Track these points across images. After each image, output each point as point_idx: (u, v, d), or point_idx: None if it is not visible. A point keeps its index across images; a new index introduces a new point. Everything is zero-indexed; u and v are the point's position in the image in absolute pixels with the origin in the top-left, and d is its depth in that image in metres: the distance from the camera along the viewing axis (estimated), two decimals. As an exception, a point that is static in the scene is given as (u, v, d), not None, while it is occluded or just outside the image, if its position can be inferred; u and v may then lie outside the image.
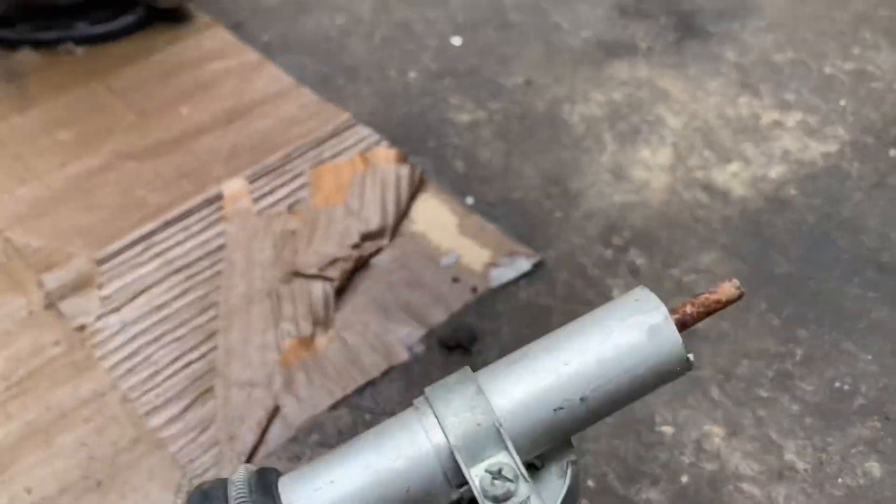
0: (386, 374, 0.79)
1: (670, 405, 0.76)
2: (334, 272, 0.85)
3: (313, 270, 0.85)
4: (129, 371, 0.79)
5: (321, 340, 0.81)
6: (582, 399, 0.37)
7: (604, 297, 0.86)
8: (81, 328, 0.83)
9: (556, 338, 0.39)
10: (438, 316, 0.84)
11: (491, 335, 0.82)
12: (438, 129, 1.07)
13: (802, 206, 0.96)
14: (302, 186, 0.97)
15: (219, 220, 0.93)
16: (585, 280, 0.88)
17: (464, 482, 0.36)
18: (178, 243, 0.91)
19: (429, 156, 1.03)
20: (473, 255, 0.89)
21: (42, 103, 1.09)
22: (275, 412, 0.76)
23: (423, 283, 0.87)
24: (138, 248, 0.90)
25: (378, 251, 0.90)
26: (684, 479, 0.70)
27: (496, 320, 0.84)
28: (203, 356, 0.80)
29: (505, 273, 0.87)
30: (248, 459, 0.72)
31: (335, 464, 0.37)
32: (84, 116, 1.07)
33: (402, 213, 0.93)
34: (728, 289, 0.38)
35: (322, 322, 0.82)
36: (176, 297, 0.85)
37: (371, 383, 0.79)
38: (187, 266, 0.88)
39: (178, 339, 0.82)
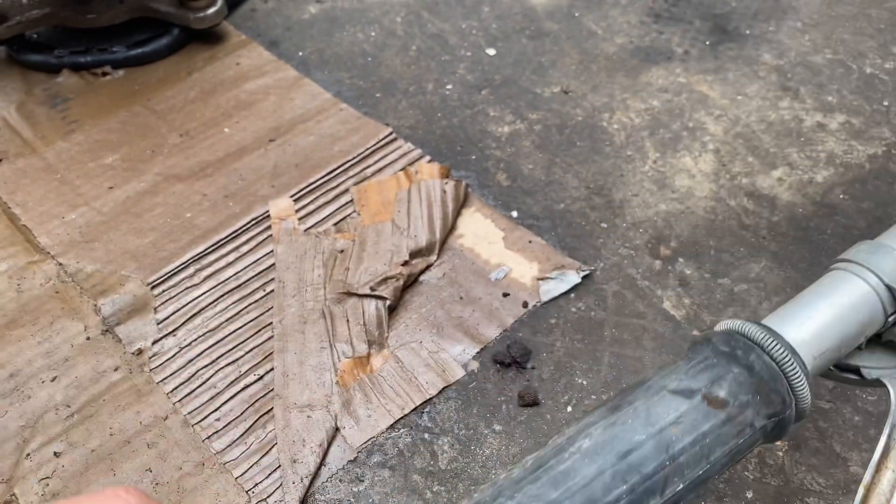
0: (441, 392, 0.80)
1: (730, 418, 0.75)
2: (386, 290, 0.85)
3: (366, 289, 0.86)
4: (189, 395, 0.80)
5: (377, 360, 0.82)
6: None
7: (654, 308, 0.86)
8: (139, 352, 0.84)
9: None
10: (491, 332, 0.84)
11: (545, 350, 0.82)
12: (479, 141, 1.07)
13: (852, 211, 0.95)
14: (347, 203, 0.98)
15: (267, 240, 0.94)
16: (635, 292, 0.87)
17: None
18: (229, 264, 0.92)
19: (471, 169, 1.03)
20: (522, 269, 0.90)
21: (86, 127, 1.11)
22: (335, 434, 0.76)
23: (473, 298, 0.87)
24: (190, 270, 0.91)
25: (427, 268, 0.90)
26: (749, 494, 0.70)
27: (549, 335, 0.84)
28: (260, 378, 0.81)
29: (556, 287, 0.87)
30: (312, 482, 0.73)
31: (807, 305, 0.53)
32: (129, 139, 1.08)
33: (449, 229, 0.94)
34: None
35: (377, 341, 0.83)
36: (230, 320, 0.86)
37: (428, 402, 0.79)
38: (239, 287, 0.89)
39: (235, 361, 0.83)
